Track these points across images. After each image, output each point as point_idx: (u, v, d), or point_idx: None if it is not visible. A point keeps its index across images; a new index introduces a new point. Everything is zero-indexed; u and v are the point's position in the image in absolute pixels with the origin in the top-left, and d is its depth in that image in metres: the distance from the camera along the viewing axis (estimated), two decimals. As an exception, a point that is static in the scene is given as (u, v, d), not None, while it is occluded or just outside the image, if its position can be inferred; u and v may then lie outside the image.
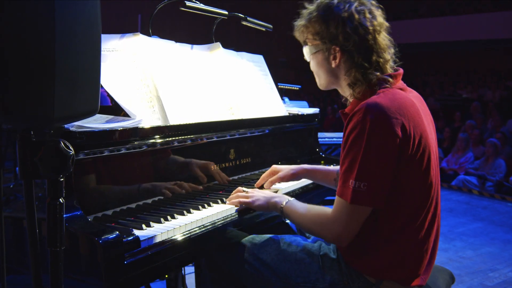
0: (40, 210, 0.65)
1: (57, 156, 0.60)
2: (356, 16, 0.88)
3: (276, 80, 1.59)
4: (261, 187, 1.21)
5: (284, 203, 0.99)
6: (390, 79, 0.89)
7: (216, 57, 1.32)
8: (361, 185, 0.82)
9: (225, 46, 1.36)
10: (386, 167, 0.82)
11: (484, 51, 9.80)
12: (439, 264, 1.14)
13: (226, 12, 1.37)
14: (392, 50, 0.93)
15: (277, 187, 1.22)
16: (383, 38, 0.91)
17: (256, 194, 1.05)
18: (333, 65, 0.94)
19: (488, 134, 5.05)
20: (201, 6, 1.27)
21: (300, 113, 1.57)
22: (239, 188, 1.10)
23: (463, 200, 4.04)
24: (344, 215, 0.86)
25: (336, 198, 0.87)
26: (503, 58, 9.39)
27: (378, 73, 0.89)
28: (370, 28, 0.89)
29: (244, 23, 1.48)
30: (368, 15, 0.90)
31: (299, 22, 0.97)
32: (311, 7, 0.95)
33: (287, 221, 1.26)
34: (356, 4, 0.90)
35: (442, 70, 10.23)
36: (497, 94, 7.18)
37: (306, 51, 1.00)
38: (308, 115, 1.61)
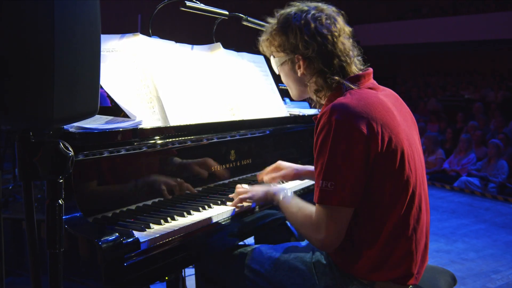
0: (39, 212, 0.65)
1: (57, 157, 0.60)
2: (312, 24, 0.91)
3: (277, 81, 1.58)
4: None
5: (281, 197, 0.99)
6: (356, 81, 0.90)
7: (216, 57, 1.31)
8: (328, 184, 0.82)
9: (226, 46, 1.35)
10: (353, 165, 0.82)
11: (486, 51, 9.78)
12: (441, 266, 1.14)
13: (227, 12, 1.37)
14: (356, 53, 0.94)
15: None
16: (343, 43, 0.92)
17: (255, 189, 1.06)
18: (299, 74, 0.96)
19: (490, 135, 5.02)
20: (202, 6, 1.27)
21: (301, 114, 1.56)
22: (238, 186, 1.10)
23: (466, 201, 4.01)
24: (321, 220, 0.85)
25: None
26: (506, 59, 9.36)
27: (337, 77, 0.90)
28: (328, 34, 0.91)
29: (245, 23, 1.47)
30: (325, 22, 0.91)
31: (263, 37, 1.01)
32: (272, 21, 0.98)
33: (287, 221, 1.26)
34: (313, 11, 0.92)
35: (444, 70, 10.20)
36: (499, 95, 7.14)
37: (274, 63, 1.02)
38: (309, 116, 1.60)
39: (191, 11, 1.25)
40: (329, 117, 0.83)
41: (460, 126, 5.71)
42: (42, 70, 0.55)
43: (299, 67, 0.95)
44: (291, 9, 0.95)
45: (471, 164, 4.50)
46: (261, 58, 1.53)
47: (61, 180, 0.61)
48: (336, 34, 0.91)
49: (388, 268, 0.88)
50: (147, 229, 0.87)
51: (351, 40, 0.95)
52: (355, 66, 0.93)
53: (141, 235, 0.82)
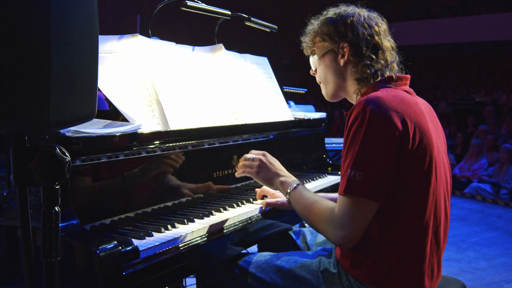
0: (34, 219, 0.64)
1: (53, 162, 0.58)
2: (362, 18, 0.96)
3: (281, 83, 1.55)
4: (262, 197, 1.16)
5: (290, 189, 0.95)
6: (394, 78, 0.92)
7: (218, 59, 1.29)
8: (357, 175, 0.80)
9: (228, 47, 1.33)
10: (384, 158, 0.80)
11: (498, 53, 9.59)
12: (451, 275, 1.11)
13: (229, 12, 1.34)
14: (397, 57, 0.97)
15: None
16: (388, 41, 0.96)
17: (262, 164, 1.01)
18: (342, 63, 0.96)
19: (502, 140, 4.91)
20: (203, 6, 1.24)
21: (306, 118, 1.53)
22: (246, 155, 1.06)
23: (477, 208, 3.92)
24: (345, 213, 0.82)
25: (338, 197, 0.85)
26: (517, 61, 9.14)
27: (382, 61, 0.92)
28: (376, 28, 0.95)
29: (247, 23, 1.45)
30: (373, 21, 0.96)
31: (308, 28, 1.02)
32: (316, 20, 1.01)
33: (290, 232, 1.23)
34: (359, 10, 0.98)
35: (455, 72, 10.04)
36: None
37: (314, 59, 1.03)
38: (315, 120, 1.58)
39: (192, 11, 1.22)
40: (363, 108, 0.82)
41: (471, 130, 5.61)
42: (38, 72, 0.54)
43: (343, 56, 0.95)
44: (337, 8, 0.99)
45: (482, 170, 4.39)
46: (265, 59, 1.50)
47: (58, 186, 0.59)
48: (383, 31, 0.95)
49: (400, 277, 0.86)
50: (146, 237, 0.84)
51: (394, 43, 0.98)
52: (395, 65, 0.96)
53: (141, 243, 0.80)
